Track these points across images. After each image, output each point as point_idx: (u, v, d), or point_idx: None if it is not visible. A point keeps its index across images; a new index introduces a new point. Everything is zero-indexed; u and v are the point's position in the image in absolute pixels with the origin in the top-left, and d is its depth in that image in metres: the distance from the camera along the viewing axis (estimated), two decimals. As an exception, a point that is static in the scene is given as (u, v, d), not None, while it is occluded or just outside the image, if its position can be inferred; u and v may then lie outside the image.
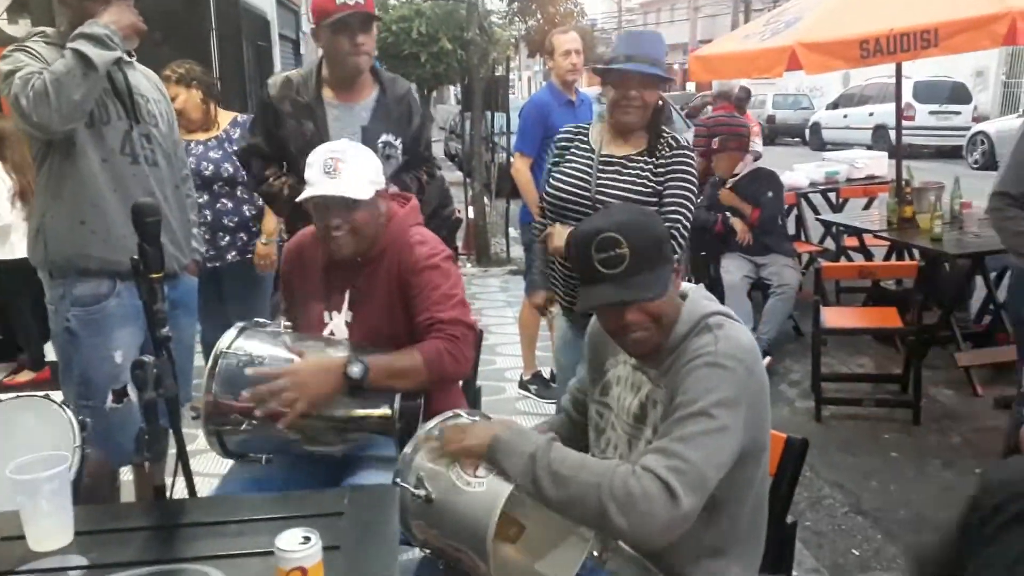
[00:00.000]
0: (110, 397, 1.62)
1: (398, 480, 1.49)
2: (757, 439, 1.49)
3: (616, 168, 2.40)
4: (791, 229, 6.01)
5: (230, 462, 1.93)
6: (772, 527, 1.61)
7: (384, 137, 2.51)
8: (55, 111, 1.98)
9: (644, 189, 2.37)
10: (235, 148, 3.18)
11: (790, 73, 5.03)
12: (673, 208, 2.36)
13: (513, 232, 7.71)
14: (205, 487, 2.00)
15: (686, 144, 2.46)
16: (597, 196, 2.37)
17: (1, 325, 4.68)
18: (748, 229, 4.86)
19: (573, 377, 1.92)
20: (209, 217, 3.30)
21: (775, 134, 20.05)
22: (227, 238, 3.37)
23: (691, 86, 22.42)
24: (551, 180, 2.49)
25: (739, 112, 6.73)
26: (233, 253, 3.39)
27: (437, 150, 16.90)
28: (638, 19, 45.89)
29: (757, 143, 7.55)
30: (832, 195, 6.89)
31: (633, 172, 2.39)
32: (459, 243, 7.36)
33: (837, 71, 5.80)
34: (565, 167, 2.47)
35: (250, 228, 3.41)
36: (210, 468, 2.95)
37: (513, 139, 6.45)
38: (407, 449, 1.54)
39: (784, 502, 1.67)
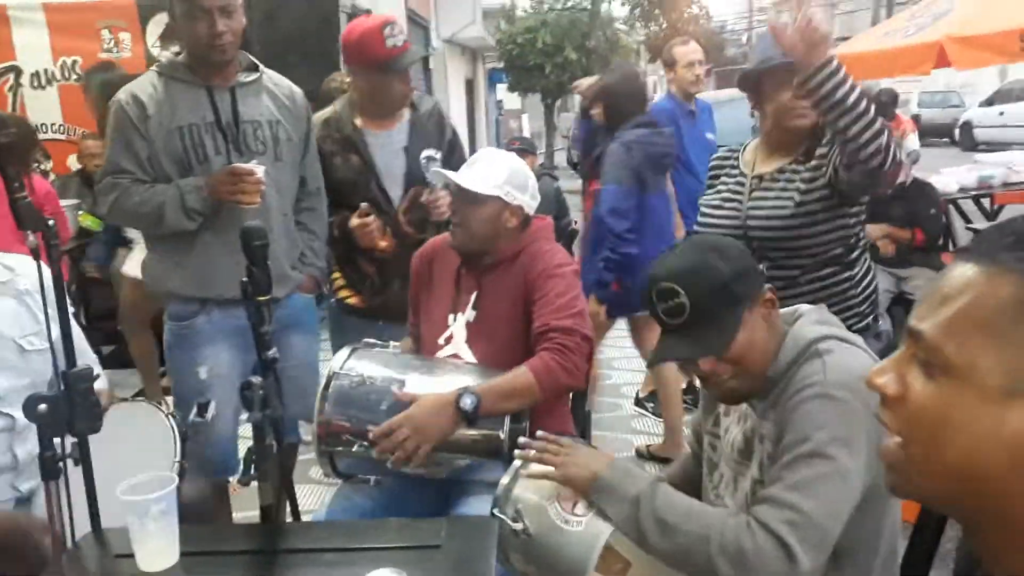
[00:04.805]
0: (194, 410, 1.69)
1: (495, 511, 1.45)
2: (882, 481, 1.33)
3: (765, 187, 2.10)
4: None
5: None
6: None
7: (425, 152, 2.58)
8: (112, 217, 2.38)
9: (783, 211, 2.02)
10: None
11: (937, 69, 4.66)
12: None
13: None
14: (328, 494, 2.04)
15: None
16: (749, 223, 2.08)
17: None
18: (893, 242, 4.50)
19: None
20: None
21: (921, 134, 18.81)
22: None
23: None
24: (700, 211, 2.23)
25: (885, 117, 6.25)
26: None
27: (560, 158, 16.96)
28: (770, 18, 44.33)
29: (913, 141, 7.00)
30: (986, 201, 6.31)
31: (777, 189, 2.08)
32: (576, 252, 7.24)
33: (992, 66, 5.32)
34: (713, 195, 2.20)
35: None
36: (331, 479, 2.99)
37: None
38: (504, 479, 1.49)
39: (925, 556, 1.48)
